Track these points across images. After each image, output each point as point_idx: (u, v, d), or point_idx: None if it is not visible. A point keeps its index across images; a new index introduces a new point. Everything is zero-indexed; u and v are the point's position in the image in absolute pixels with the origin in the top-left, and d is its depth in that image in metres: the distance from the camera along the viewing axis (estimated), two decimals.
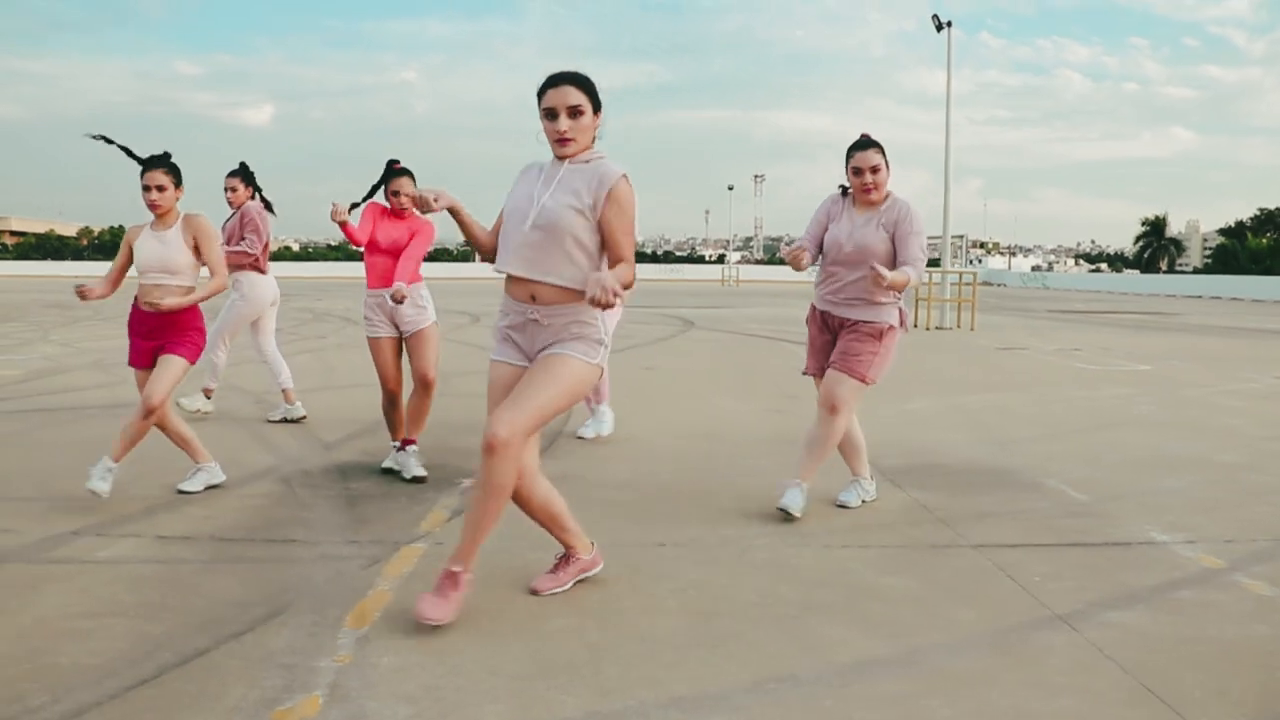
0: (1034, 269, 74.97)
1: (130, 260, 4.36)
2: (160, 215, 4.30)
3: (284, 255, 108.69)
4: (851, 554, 3.68)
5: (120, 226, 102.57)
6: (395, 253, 4.90)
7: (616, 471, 5.02)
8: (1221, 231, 47.77)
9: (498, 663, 2.64)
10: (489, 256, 3.11)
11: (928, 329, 16.34)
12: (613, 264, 2.96)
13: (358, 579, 3.31)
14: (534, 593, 3.12)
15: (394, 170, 4.91)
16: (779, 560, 3.59)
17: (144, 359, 4.34)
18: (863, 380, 4.10)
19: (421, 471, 4.77)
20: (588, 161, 3.00)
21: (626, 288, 2.86)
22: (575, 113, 2.95)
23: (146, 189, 4.25)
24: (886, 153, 4.12)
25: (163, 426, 4.34)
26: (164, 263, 4.25)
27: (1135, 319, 20.90)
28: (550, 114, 2.96)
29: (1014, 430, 6.43)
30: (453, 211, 3.02)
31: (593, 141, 3.04)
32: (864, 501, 4.39)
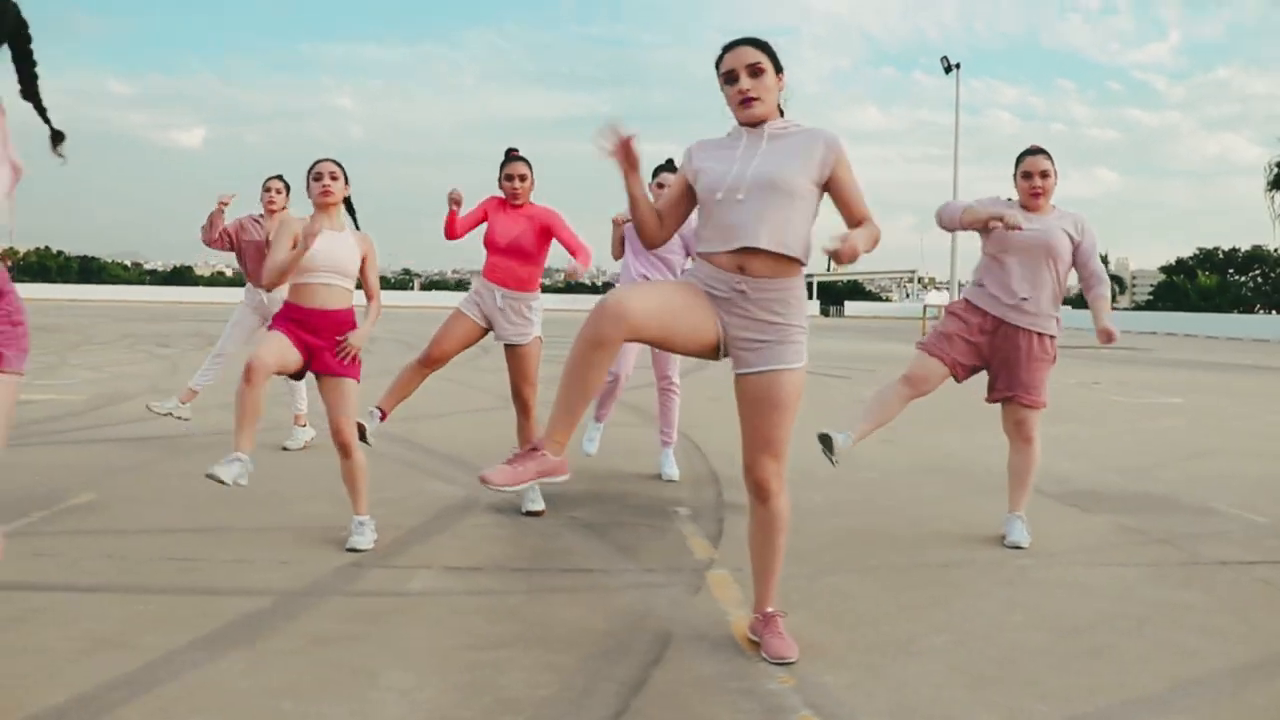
0: None
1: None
2: (328, 208, 4.03)
3: (219, 280, 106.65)
4: (1123, 572, 3.84)
5: (46, 248, 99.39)
6: (515, 252, 4.66)
7: (811, 498, 5.10)
8: (1164, 269, 49.77)
9: (945, 676, 2.73)
10: (653, 237, 2.90)
11: None
12: (857, 223, 2.81)
13: (698, 605, 3.36)
14: (484, 481, 2.61)
15: (511, 155, 4.75)
16: (1064, 580, 3.73)
17: (290, 332, 3.94)
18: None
19: (539, 506, 4.62)
20: (785, 128, 2.83)
21: (876, 244, 2.76)
22: (755, 71, 2.77)
23: (318, 177, 4.02)
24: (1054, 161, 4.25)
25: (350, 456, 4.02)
26: (338, 264, 3.98)
27: (1115, 353, 21.62)
28: (730, 77, 2.81)
29: (1123, 459, 6.67)
30: (630, 176, 2.81)
31: (779, 109, 2.88)
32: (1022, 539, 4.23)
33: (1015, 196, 4.33)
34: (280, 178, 6.48)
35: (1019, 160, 4.31)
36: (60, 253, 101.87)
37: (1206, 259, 48.57)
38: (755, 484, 2.86)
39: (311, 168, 4.08)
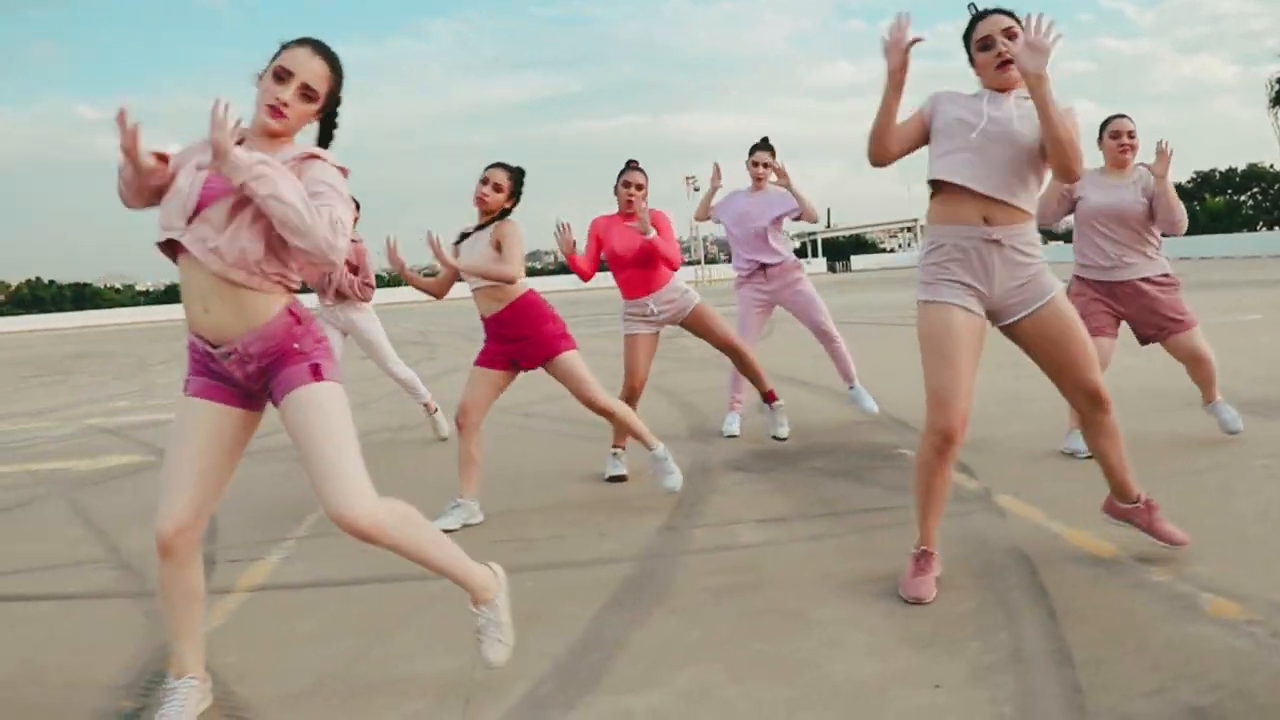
0: None
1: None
2: (487, 211, 4.16)
3: None
4: None
5: (37, 278, 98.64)
6: (642, 260, 4.81)
7: (1012, 429, 5.34)
8: None
9: None
10: (885, 150, 2.98)
11: None
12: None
13: (1016, 527, 3.62)
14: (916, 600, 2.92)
15: (631, 165, 4.92)
16: None
17: (498, 361, 4.22)
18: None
19: (785, 432, 5.28)
20: (1025, 97, 2.91)
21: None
22: (1010, 34, 2.90)
23: (484, 181, 4.15)
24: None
25: (611, 414, 4.30)
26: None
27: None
28: (986, 43, 2.94)
29: (1261, 371, 6.93)
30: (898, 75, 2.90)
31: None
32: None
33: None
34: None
35: (1105, 124, 4.71)
36: (52, 282, 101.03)
37: (1205, 181, 48.86)
38: (1093, 399, 3.04)
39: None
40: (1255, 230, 43.74)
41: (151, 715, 2.44)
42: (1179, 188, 44.82)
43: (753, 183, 5.87)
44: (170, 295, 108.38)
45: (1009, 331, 3.04)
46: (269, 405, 2.45)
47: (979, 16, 3.01)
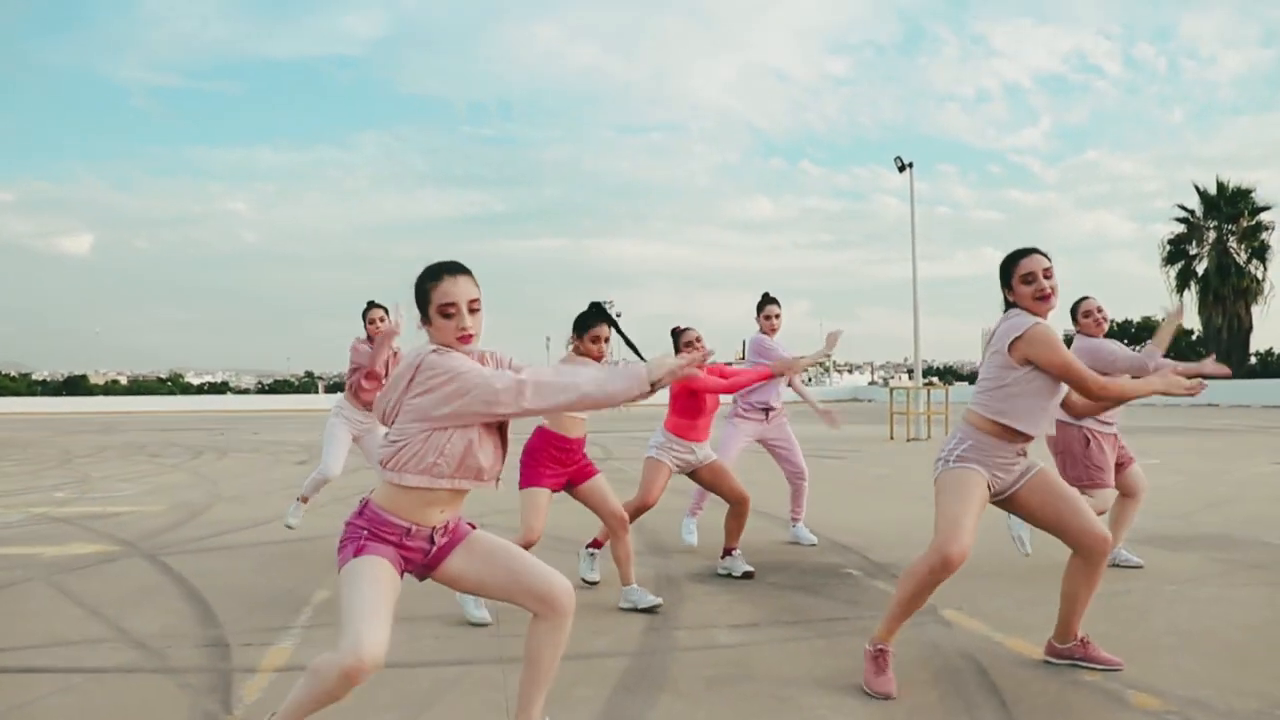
0: (870, 384, 79.34)
1: None
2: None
3: (115, 389, 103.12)
4: (1252, 589, 4.75)
5: None
6: (712, 408, 5.39)
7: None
8: (1066, 340, 53.01)
9: (1208, 661, 3.53)
10: None
11: (908, 440, 17.87)
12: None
13: (962, 638, 4.12)
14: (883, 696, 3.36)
15: (678, 332, 5.49)
16: (1216, 596, 4.61)
17: (558, 482, 4.64)
18: None
19: (750, 568, 5.41)
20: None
21: None
22: (1048, 274, 3.54)
23: (596, 340, 4.55)
24: None
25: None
26: None
27: None
28: (1030, 279, 3.51)
29: (1162, 510, 7.69)
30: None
31: None
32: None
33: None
34: (381, 305, 6.53)
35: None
36: None
37: (1107, 333, 51.96)
38: (1098, 542, 3.52)
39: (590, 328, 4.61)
40: None
41: None
42: (1069, 337, 47.88)
43: (768, 332, 6.50)
44: (70, 386, 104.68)
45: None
46: None
47: (1026, 253, 3.55)
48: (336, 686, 2.42)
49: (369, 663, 2.39)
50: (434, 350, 2.58)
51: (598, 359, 4.61)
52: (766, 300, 6.59)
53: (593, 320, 4.58)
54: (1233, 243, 40.10)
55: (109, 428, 29.44)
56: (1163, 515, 7.34)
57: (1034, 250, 3.58)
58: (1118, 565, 5.46)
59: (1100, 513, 5.12)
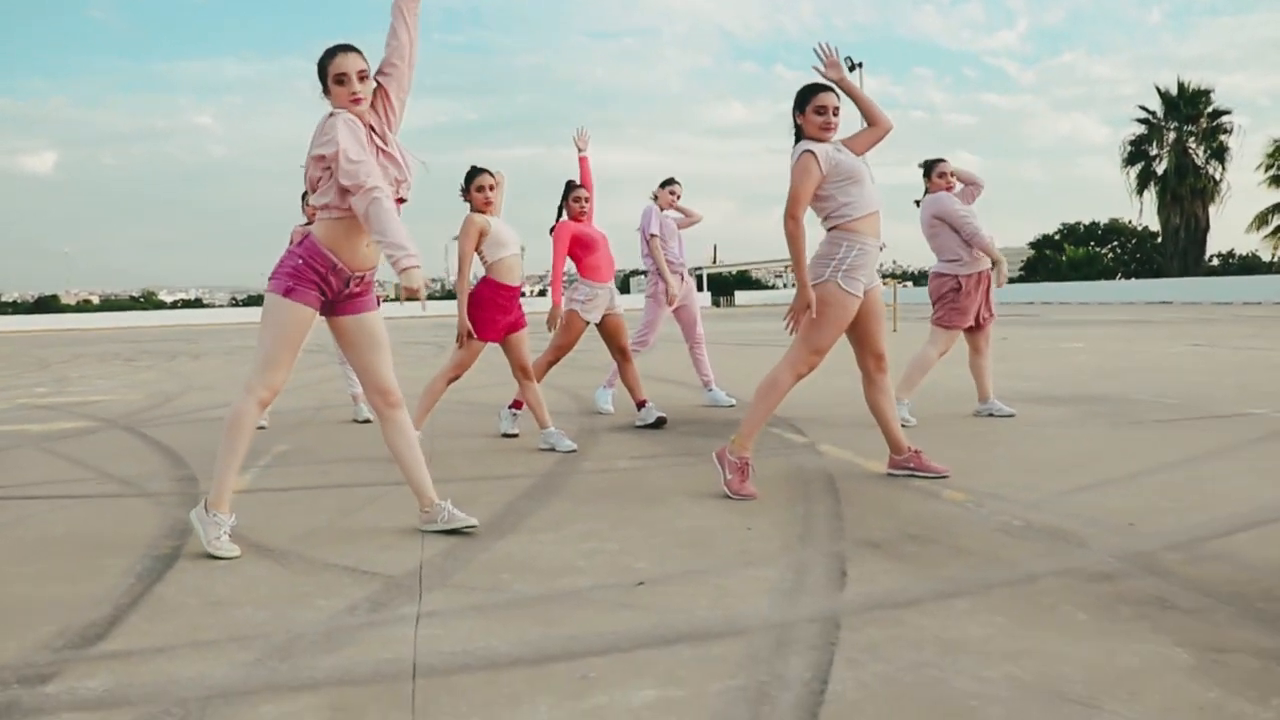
0: None
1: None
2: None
3: (86, 307, 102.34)
4: (1094, 429, 5.49)
5: None
6: (608, 247, 6.10)
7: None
8: (1033, 244, 53.77)
9: (1012, 473, 4.26)
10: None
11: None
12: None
13: (829, 462, 4.84)
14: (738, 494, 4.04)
15: (572, 185, 6.09)
16: (1061, 434, 5.36)
17: (499, 333, 5.33)
18: None
19: (662, 414, 6.17)
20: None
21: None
22: (835, 110, 4.08)
23: (481, 189, 5.27)
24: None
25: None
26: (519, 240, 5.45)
27: (1009, 318, 24.01)
28: (822, 110, 4.03)
29: (1059, 378, 8.45)
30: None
31: None
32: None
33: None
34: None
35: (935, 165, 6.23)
36: None
37: (1070, 233, 52.73)
38: (878, 360, 4.25)
39: (475, 178, 5.33)
40: (1114, 280, 47.27)
41: (182, 556, 3.41)
42: (1047, 238, 47.55)
43: (666, 206, 7.26)
44: (42, 306, 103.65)
45: None
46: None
47: (823, 88, 4.12)
48: (255, 415, 3.45)
49: (275, 394, 3.47)
50: (331, 114, 3.31)
51: (484, 207, 5.32)
52: (670, 180, 7.38)
53: (474, 173, 5.36)
54: (1192, 144, 40.60)
55: (82, 341, 29.80)
56: (1056, 382, 8.09)
57: (829, 88, 4.12)
58: (993, 415, 6.18)
59: (943, 353, 5.87)
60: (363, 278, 3.49)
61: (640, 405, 6.22)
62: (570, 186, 6.04)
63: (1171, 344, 12.56)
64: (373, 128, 3.42)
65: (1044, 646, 2.26)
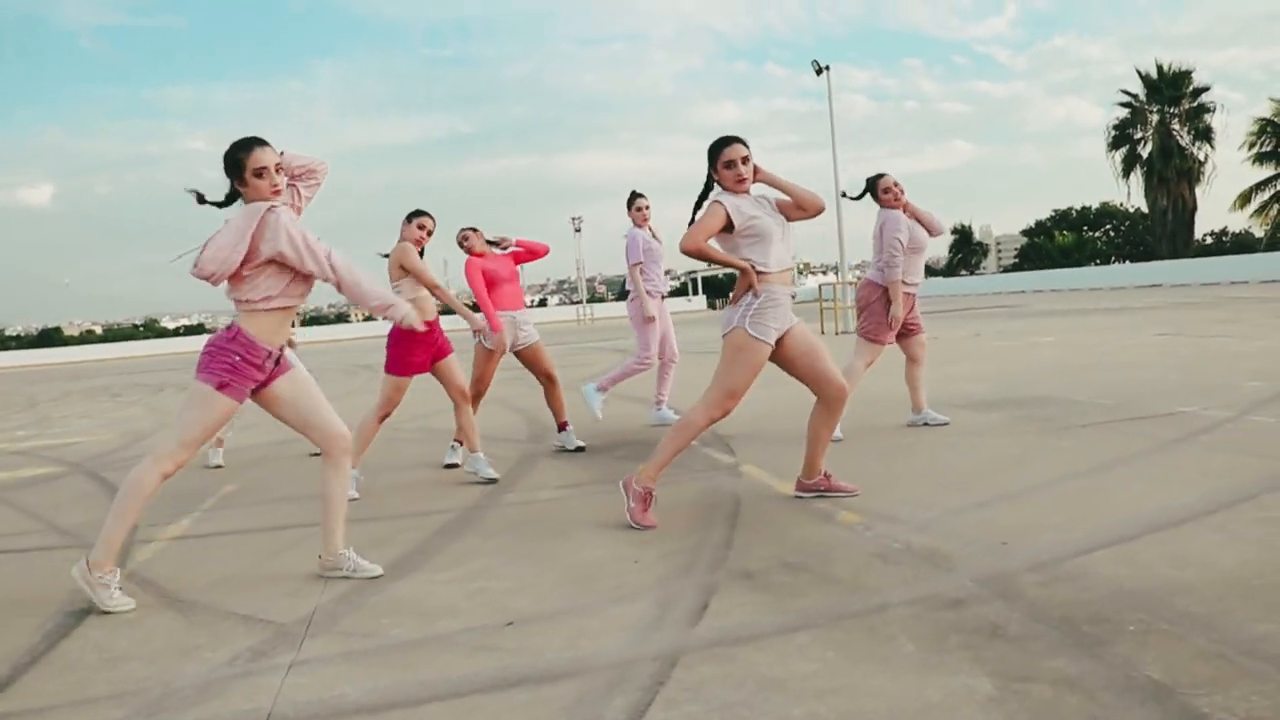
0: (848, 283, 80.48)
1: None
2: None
3: (90, 339, 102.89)
4: (1018, 438, 5.60)
5: None
6: (515, 278, 6.33)
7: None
8: (1025, 232, 53.89)
9: (927, 491, 4.38)
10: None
11: (836, 333, 18.74)
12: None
13: (745, 484, 4.96)
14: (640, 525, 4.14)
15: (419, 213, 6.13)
16: (982, 443, 5.47)
17: (422, 366, 5.51)
18: None
19: (581, 444, 6.36)
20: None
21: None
22: (745, 160, 4.19)
23: (422, 227, 5.62)
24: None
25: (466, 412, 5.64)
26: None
27: (993, 310, 24.11)
28: (731, 165, 4.17)
29: (1010, 379, 8.56)
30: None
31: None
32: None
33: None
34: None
35: (877, 181, 6.24)
36: None
37: (1063, 218, 52.88)
38: (839, 391, 4.30)
39: (416, 219, 5.61)
40: (1109, 264, 47.37)
41: (94, 612, 3.54)
42: (1040, 225, 47.63)
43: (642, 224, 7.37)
44: (45, 339, 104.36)
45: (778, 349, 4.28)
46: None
47: (729, 141, 4.22)
48: (156, 485, 3.55)
49: (178, 470, 3.60)
50: (271, 208, 3.43)
51: (417, 243, 5.63)
52: (635, 196, 7.43)
53: (414, 215, 5.71)
54: (1176, 125, 40.64)
55: (78, 375, 30.04)
56: (1005, 384, 8.20)
57: (736, 139, 4.24)
58: (926, 425, 6.30)
59: (869, 364, 5.98)
60: (280, 349, 3.64)
61: (561, 428, 6.42)
62: (468, 229, 6.28)
63: (1139, 333, 12.65)
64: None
65: (860, 683, 2.37)
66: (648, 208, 7.41)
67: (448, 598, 3.36)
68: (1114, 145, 41.81)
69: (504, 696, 2.45)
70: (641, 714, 2.27)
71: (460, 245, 6.21)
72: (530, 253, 6.41)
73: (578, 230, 55.88)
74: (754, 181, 4.27)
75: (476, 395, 6.10)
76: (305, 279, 3.55)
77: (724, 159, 4.22)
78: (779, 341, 4.22)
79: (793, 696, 2.32)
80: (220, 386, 3.48)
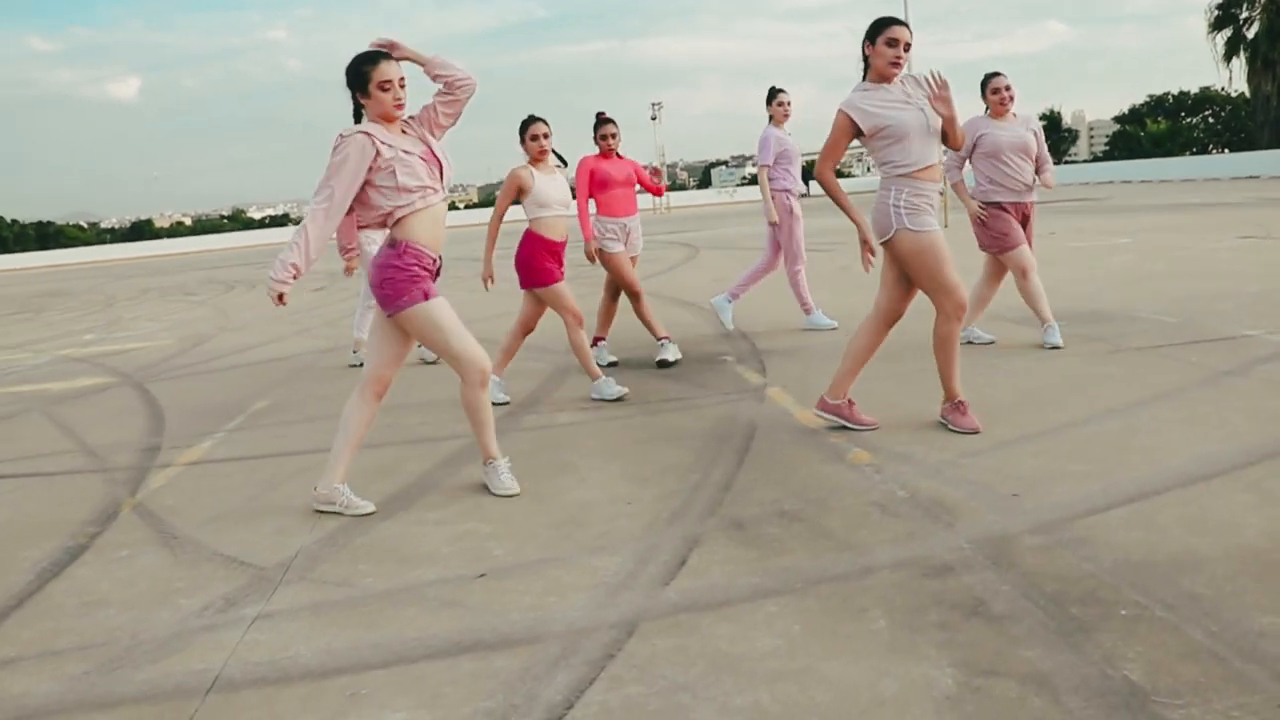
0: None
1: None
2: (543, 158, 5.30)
3: (179, 231, 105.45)
4: (1066, 356, 5.29)
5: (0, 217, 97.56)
6: (630, 184, 6.09)
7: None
8: (1117, 119, 51.01)
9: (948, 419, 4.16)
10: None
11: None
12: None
13: (766, 409, 4.79)
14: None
15: (603, 119, 6.10)
16: (1027, 362, 5.18)
17: (560, 274, 5.36)
18: None
19: (678, 355, 6.19)
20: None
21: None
22: (907, 46, 3.98)
23: (535, 138, 5.22)
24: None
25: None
26: (565, 198, 5.38)
27: (1071, 205, 23.00)
28: (893, 43, 3.94)
29: (1073, 290, 8.10)
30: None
31: None
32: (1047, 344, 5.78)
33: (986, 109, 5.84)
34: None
35: (985, 82, 5.83)
36: (14, 221, 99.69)
37: (1158, 105, 49.85)
38: (958, 306, 4.08)
39: (528, 128, 5.27)
40: (1206, 153, 44.82)
41: (91, 548, 3.58)
42: (1133, 110, 44.93)
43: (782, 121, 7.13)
44: (135, 232, 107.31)
45: None
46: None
47: (894, 21, 4.00)
48: (482, 389, 3.70)
49: (490, 365, 3.72)
50: (354, 133, 3.46)
51: (539, 157, 5.29)
52: (774, 92, 7.17)
53: (529, 122, 5.31)
54: None
55: (161, 270, 30.88)
56: (1069, 295, 7.76)
57: (903, 23, 4.02)
58: (970, 343, 5.99)
59: (1022, 269, 5.69)
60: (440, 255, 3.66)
61: (661, 340, 6.25)
62: (600, 120, 6.08)
63: (1223, 235, 11.91)
64: (410, 130, 3.61)
65: (817, 665, 2.24)
66: (789, 103, 7.15)
67: (430, 542, 3.31)
68: (1216, 26, 38.76)
69: (452, 665, 2.38)
70: (580, 694, 2.18)
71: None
72: (646, 185, 6.30)
73: (654, 118, 54.69)
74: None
75: (634, 294, 6.01)
76: (400, 186, 3.49)
77: (887, 36, 3.99)
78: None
79: (743, 679, 2.19)
80: (426, 295, 3.54)
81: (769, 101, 7.13)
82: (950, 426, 4.15)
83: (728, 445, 4.19)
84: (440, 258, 3.63)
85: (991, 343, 5.97)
